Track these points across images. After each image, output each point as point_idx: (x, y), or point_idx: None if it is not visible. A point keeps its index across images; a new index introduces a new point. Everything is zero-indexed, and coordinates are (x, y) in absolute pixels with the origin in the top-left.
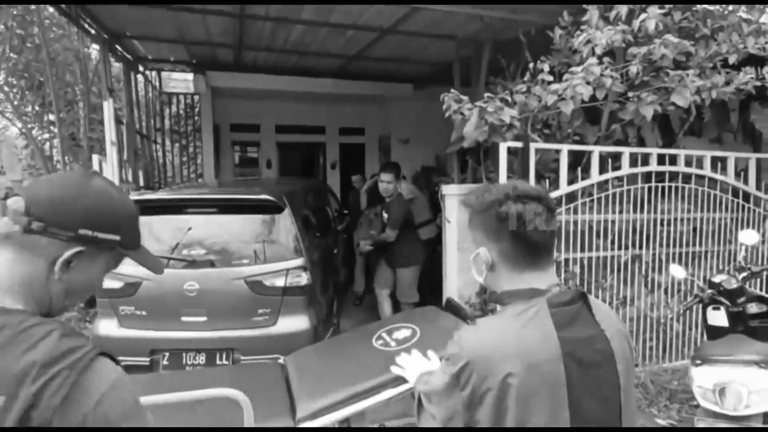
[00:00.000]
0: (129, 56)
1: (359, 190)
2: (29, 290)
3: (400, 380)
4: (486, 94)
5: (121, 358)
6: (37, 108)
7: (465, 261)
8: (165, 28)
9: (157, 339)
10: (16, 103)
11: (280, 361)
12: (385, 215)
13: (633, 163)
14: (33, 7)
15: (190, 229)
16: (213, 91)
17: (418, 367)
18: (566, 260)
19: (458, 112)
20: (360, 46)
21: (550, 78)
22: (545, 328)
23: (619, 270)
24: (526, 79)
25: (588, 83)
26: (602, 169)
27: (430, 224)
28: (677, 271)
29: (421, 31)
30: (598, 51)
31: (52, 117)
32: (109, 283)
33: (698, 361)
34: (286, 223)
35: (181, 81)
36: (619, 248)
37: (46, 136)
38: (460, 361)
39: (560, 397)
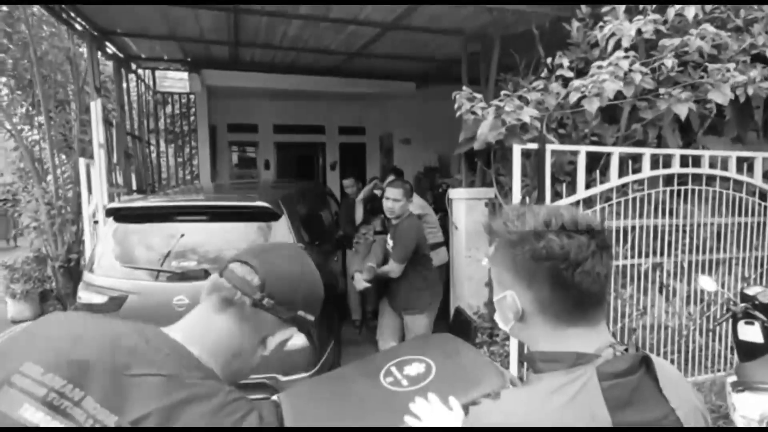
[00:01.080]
0: (120, 54)
1: (352, 198)
2: (231, 360)
3: None
4: (502, 92)
5: None
6: (27, 108)
7: (473, 269)
8: (155, 24)
9: None
10: (5, 104)
11: (274, 398)
12: (390, 242)
13: (653, 165)
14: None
15: (182, 235)
16: (209, 90)
17: (438, 420)
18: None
19: (470, 111)
20: (361, 43)
21: (570, 74)
22: (595, 410)
23: (639, 279)
24: (542, 75)
25: (616, 78)
26: (621, 172)
27: (441, 248)
28: (707, 284)
29: (425, 26)
30: (625, 43)
31: (41, 118)
32: (91, 297)
33: (740, 387)
34: (283, 232)
35: (177, 80)
36: (639, 256)
37: (36, 137)
38: None
39: None
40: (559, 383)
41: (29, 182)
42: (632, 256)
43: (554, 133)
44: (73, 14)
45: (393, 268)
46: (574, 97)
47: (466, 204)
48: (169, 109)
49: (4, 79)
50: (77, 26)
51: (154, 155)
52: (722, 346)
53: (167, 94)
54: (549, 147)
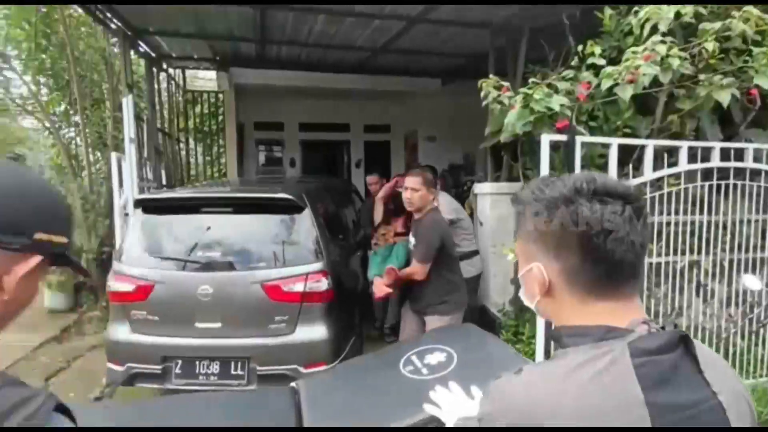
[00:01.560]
0: (152, 53)
1: (374, 196)
2: None
3: (435, 422)
4: (531, 79)
5: (133, 365)
6: (64, 107)
7: (498, 265)
8: (186, 22)
9: (170, 346)
10: (44, 101)
11: (293, 384)
12: (412, 240)
13: (691, 158)
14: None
15: (209, 228)
16: (236, 89)
17: (459, 408)
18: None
19: (497, 101)
20: (386, 38)
21: (602, 62)
22: (626, 388)
23: (674, 277)
24: (573, 63)
25: (652, 63)
26: (656, 166)
27: (476, 256)
28: (753, 283)
29: (451, 18)
30: (662, 28)
31: (77, 118)
32: (119, 285)
33: None
34: (306, 224)
35: (207, 81)
36: (674, 253)
37: (72, 134)
38: (498, 423)
39: None
40: (585, 357)
41: (66, 177)
42: (667, 254)
43: (584, 125)
44: (109, 14)
45: (416, 270)
46: (606, 84)
47: (492, 199)
48: (198, 108)
49: (43, 79)
50: (112, 25)
51: (183, 153)
52: (766, 351)
53: (197, 92)
54: (579, 139)
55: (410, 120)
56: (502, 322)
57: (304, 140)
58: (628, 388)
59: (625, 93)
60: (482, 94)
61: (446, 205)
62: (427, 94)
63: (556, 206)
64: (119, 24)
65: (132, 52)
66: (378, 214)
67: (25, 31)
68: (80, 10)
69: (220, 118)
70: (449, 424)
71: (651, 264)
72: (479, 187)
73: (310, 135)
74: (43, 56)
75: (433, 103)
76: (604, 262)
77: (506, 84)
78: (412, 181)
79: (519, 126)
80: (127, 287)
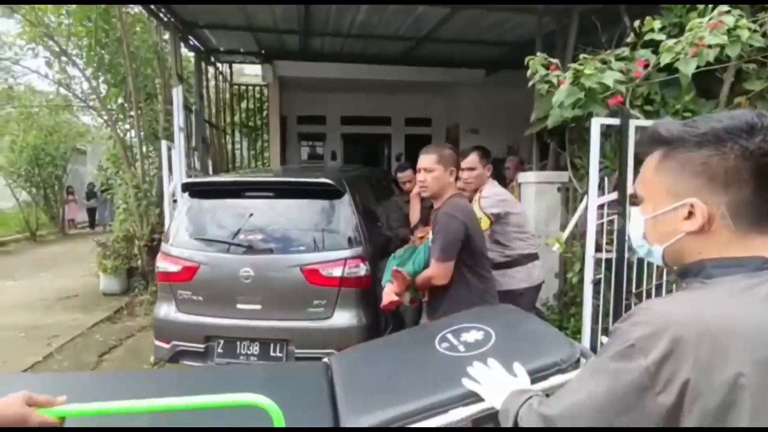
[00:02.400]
0: (201, 47)
1: (408, 193)
2: None
3: (474, 397)
4: (582, 55)
5: (178, 343)
6: (120, 101)
7: (543, 258)
8: (233, 16)
9: (213, 325)
10: (102, 95)
11: (325, 360)
12: (430, 236)
13: None
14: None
15: (251, 215)
16: (280, 82)
17: (499, 383)
18: None
19: (545, 80)
20: (429, 26)
21: (662, 37)
22: None
23: None
24: (629, 39)
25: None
26: None
27: (532, 262)
28: None
29: (497, 4)
30: None
31: (132, 112)
32: (167, 266)
33: None
34: (345, 210)
35: (252, 76)
36: None
37: (127, 127)
38: (660, 342)
39: None
40: (749, 282)
41: (121, 167)
42: None
43: (639, 110)
44: (163, 9)
45: (434, 272)
46: (665, 59)
47: (536, 188)
48: (244, 104)
49: (102, 76)
50: (164, 18)
51: (229, 146)
52: None
53: (242, 87)
54: (633, 123)
55: (452, 113)
56: (544, 316)
57: (346, 133)
58: None
59: (688, 67)
60: (529, 73)
61: (492, 197)
62: (470, 85)
63: (723, 139)
64: (170, 18)
65: (182, 46)
66: (414, 213)
67: (86, 28)
68: (136, 8)
69: (265, 113)
70: (488, 398)
71: None
72: (523, 176)
73: (351, 128)
74: (102, 52)
75: (476, 95)
76: None
77: (555, 61)
78: (425, 160)
79: (567, 106)
80: (173, 268)
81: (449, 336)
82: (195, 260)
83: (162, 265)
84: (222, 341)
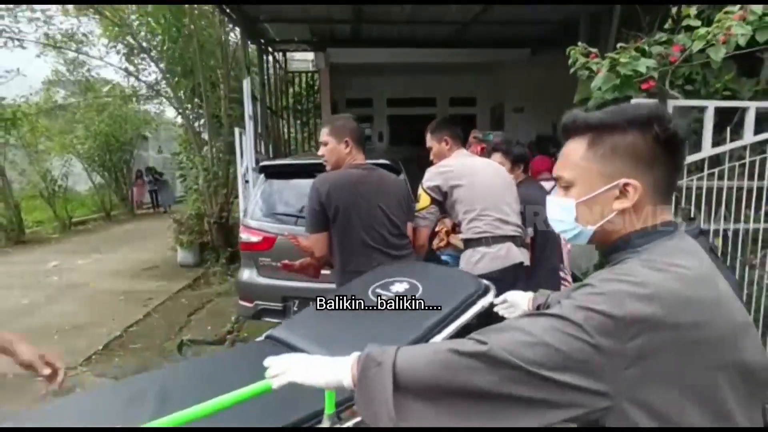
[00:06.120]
0: (261, 39)
1: None
2: None
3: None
4: (619, 44)
5: (259, 302)
6: (190, 93)
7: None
8: (291, 9)
9: (289, 287)
10: (174, 84)
11: (267, 333)
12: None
13: None
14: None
15: None
16: (331, 68)
17: (314, 360)
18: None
19: (585, 68)
20: (476, 9)
21: (698, 23)
22: (708, 263)
23: None
24: (666, 26)
25: (748, 24)
26: (760, 130)
27: (495, 246)
28: None
29: None
30: None
31: (196, 101)
32: (249, 237)
33: None
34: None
35: (301, 62)
36: None
37: (196, 115)
38: (649, 306)
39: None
40: (676, 244)
41: (192, 151)
42: (766, 221)
43: (679, 89)
44: (233, 8)
45: (308, 243)
46: (697, 46)
47: None
48: (297, 89)
49: (171, 67)
50: (233, 15)
51: (285, 130)
52: None
53: (296, 73)
54: (671, 103)
55: (496, 92)
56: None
57: (391, 115)
58: (709, 263)
59: (718, 54)
60: (570, 61)
61: (433, 168)
62: (515, 64)
63: (649, 123)
64: (236, 14)
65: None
66: None
67: (161, 25)
68: (205, 6)
69: (316, 97)
70: (316, 379)
71: (747, 231)
72: None
73: (397, 110)
74: (174, 45)
75: (521, 74)
76: (679, 169)
77: (594, 50)
78: (321, 134)
79: (607, 90)
80: (254, 239)
81: (379, 290)
82: (272, 232)
83: (245, 236)
84: (297, 301)
